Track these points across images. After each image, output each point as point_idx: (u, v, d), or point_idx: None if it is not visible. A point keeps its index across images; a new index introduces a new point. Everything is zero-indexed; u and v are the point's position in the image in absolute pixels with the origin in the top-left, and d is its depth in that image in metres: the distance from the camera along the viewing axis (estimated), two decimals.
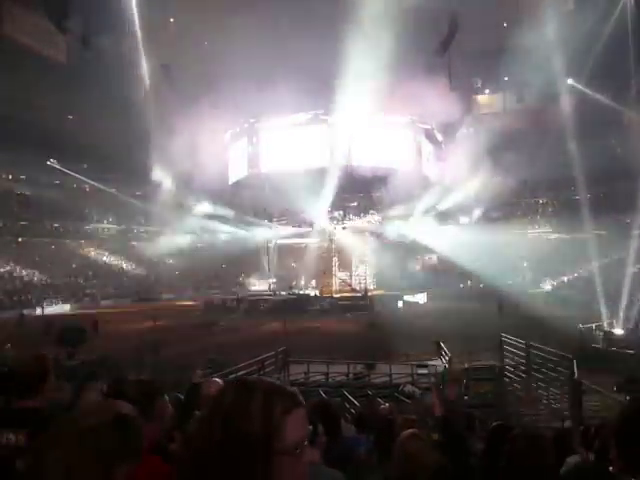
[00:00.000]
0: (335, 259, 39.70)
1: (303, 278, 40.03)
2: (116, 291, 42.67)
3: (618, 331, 18.55)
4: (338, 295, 35.71)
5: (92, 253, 47.54)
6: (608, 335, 17.65)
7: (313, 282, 39.53)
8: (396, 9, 30.45)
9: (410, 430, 2.35)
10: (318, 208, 38.85)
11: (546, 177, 43.07)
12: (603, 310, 22.92)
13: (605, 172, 35.33)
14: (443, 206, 41.56)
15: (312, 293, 36.83)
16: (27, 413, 1.83)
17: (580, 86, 38.42)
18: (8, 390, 2.06)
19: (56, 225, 47.72)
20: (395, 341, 17.86)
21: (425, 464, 2.10)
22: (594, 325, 18.86)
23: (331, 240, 39.40)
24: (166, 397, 1.98)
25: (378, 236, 42.48)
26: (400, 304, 33.00)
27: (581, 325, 18.89)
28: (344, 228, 38.52)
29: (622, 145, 36.56)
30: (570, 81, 38.40)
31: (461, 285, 44.82)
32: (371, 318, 25.44)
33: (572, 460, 3.01)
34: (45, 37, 37.23)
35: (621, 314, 20.75)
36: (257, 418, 0.92)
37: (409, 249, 46.22)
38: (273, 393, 0.96)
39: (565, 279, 39.49)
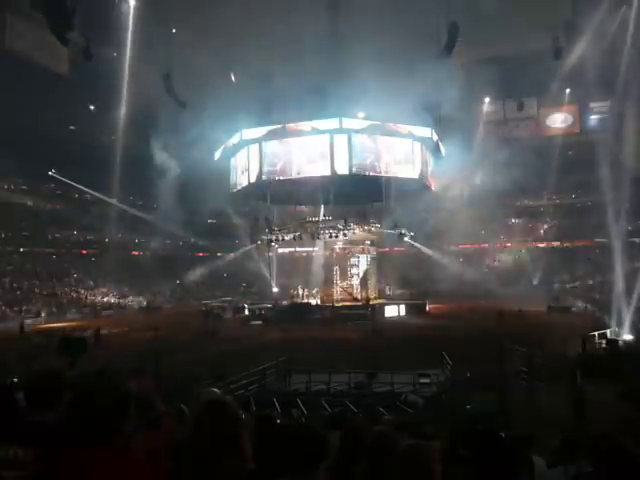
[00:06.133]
0: (336, 268, 39.55)
1: (304, 287, 39.83)
2: (119, 301, 42.66)
3: (622, 339, 18.41)
4: (339, 304, 35.54)
5: (94, 262, 47.42)
6: (612, 343, 17.50)
7: (314, 291, 39.33)
8: (398, 14, 30.66)
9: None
10: (319, 217, 38.79)
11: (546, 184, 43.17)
12: (607, 318, 22.83)
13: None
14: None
15: (313, 302, 36.69)
16: (38, 428, 1.76)
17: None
18: (19, 402, 2.00)
19: (57, 235, 47.73)
20: (396, 350, 17.77)
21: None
22: (597, 333, 18.69)
23: (332, 249, 39.28)
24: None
25: (379, 245, 42.36)
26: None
27: (584, 333, 18.76)
28: (345, 236, 38.37)
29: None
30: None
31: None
32: (372, 327, 25.32)
33: (570, 471, 2.98)
34: (48, 50, 37.56)
35: (625, 322, 20.65)
36: None
37: (411, 258, 46.11)
38: None
39: (568, 286, 39.37)
